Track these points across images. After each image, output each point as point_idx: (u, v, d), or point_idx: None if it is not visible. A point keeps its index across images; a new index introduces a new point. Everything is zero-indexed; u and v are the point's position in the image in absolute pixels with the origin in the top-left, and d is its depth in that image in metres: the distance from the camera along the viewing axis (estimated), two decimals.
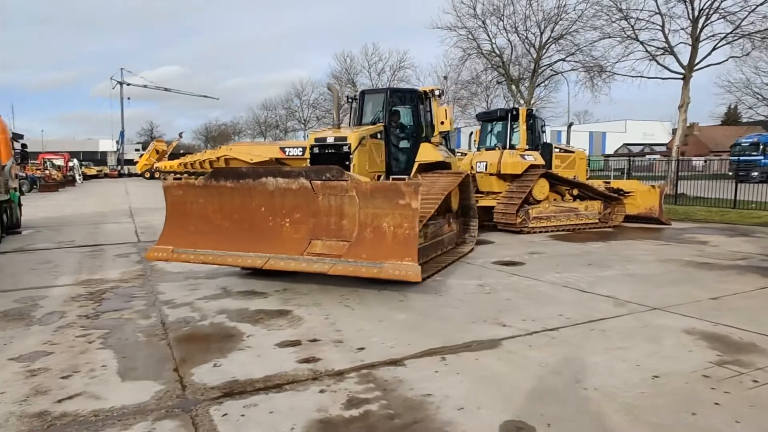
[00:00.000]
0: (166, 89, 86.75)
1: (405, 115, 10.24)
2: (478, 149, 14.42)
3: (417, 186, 5.95)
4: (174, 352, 4.86)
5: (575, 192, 14.09)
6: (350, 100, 10.89)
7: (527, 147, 13.60)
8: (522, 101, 32.53)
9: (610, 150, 67.38)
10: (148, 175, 61.19)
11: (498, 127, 14.19)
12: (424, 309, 6.19)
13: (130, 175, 75.34)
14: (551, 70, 32.84)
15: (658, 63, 24.26)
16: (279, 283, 7.56)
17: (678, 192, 21.75)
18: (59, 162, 51.95)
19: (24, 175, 37.00)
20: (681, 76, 23.97)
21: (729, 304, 6.31)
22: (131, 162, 78.55)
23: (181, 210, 7.53)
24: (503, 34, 31.97)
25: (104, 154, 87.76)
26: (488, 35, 31.87)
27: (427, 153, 9.98)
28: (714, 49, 23.32)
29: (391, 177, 9.45)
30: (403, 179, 9.11)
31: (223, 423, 3.50)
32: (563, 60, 31.66)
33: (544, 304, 6.32)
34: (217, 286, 7.56)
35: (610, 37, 25.50)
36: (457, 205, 9.90)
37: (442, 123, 10.17)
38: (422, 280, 5.99)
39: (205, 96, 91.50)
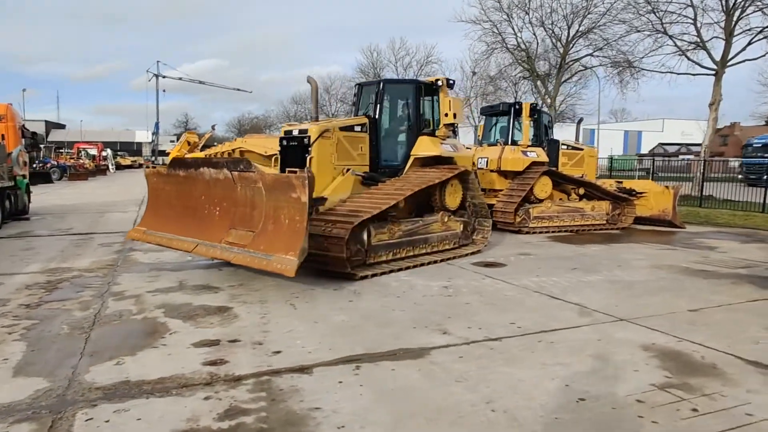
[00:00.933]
0: (200, 82, 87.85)
1: (401, 108, 9.80)
2: (480, 144, 13.86)
3: (305, 179, 5.76)
4: (86, 348, 4.65)
5: (581, 191, 13.41)
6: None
7: (531, 143, 12.99)
8: (548, 98, 31.57)
9: (645, 150, 65.01)
10: None
11: (502, 122, 13.62)
12: (370, 311, 5.82)
13: (164, 165, 76.98)
14: (580, 65, 31.69)
15: (689, 58, 23.03)
16: (238, 278, 7.33)
17: (704, 194, 20.60)
18: (93, 152, 53.41)
19: (55, 163, 38.17)
20: (713, 73, 22.71)
21: (708, 317, 5.72)
22: (165, 153, 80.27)
23: (155, 195, 8.18)
24: (529, 27, 31.04)
25: (140, 145, 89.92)
26: (513, 29, 30.97)
27: (423, 146, 9.43)
28: (750, 43, 21.98)
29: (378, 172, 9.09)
30: (368, 174, 8.75)
31: (81, 429, 3.24)
32: (591, 55, 30.52)
33: (503, 311, 5.86)
34: (176, 278, 7.37)
35: (638, 31, 24.36)
36: (456, 202, 9.34)
37: (446, 115, 9.44)
38: (294, 275, 5.83)
39: (238, 89, 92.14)
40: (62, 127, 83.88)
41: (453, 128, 9.99)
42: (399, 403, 3.59)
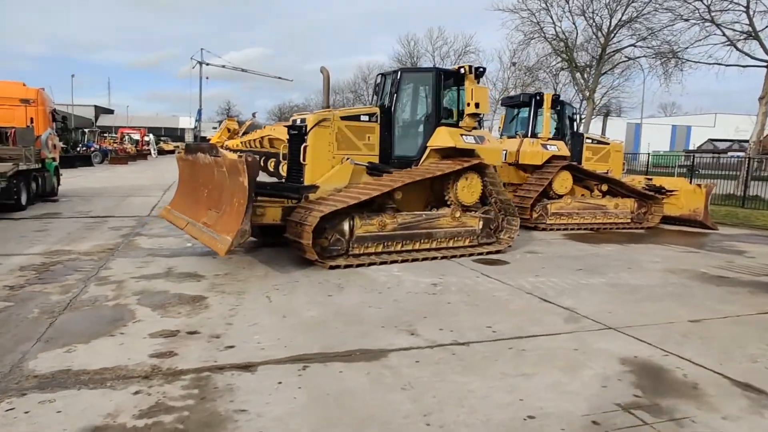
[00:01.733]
0: (243, 70, 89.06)
1: (420, 97, 9.45)
2: (501, 136, 13.38)
3: (245, 163, 6.02)
4: (46, 333, 4.62)
5: (605, 188, 12.77)
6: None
7: (551, 136, 12.43)
8: (587, 90, 30.40)
9: (694, 146, 62.11)
10: None
11: (523, 113, 13.08)
12: (345, 307, 5.62)
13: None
14: (623, 56, 30.30)
15: (738, 49, 21.66)
16: (228, 267, 7.27)
17: (750, 194, 19.41)
18: (136, 137, 55.03)
19: (97, 147, 39.50)
20: (765, 65, 21.29)
21: (707, 329, 5.25)
22: (207, 139, 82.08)
23: (180, 178, 8.98)
24: (568, 16, 29.90)
25: (183, 131, 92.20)
26: (552, 18, 29.89)
27: (440, 138, 8.89)
28: None
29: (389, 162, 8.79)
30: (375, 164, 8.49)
31: None
32: (634, 45, 29.17)
33: (484, 313, 5.55)
34: (167, 265, 7.35)
35: (684, 19, 23.06)
36: (472, 198, 8.78)
37: (469, 105, 8.79)
38: (224, 254, 6.37)
39: (279, 78, 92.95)
40: (111, 112, 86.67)
41: (478, 119, 9.32)
42: (330, 409, 3.38)
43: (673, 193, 13.37)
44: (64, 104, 63.98)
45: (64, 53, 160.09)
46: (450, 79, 9.04)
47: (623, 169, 14.39)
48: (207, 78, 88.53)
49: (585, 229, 12.16)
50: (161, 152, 67.46)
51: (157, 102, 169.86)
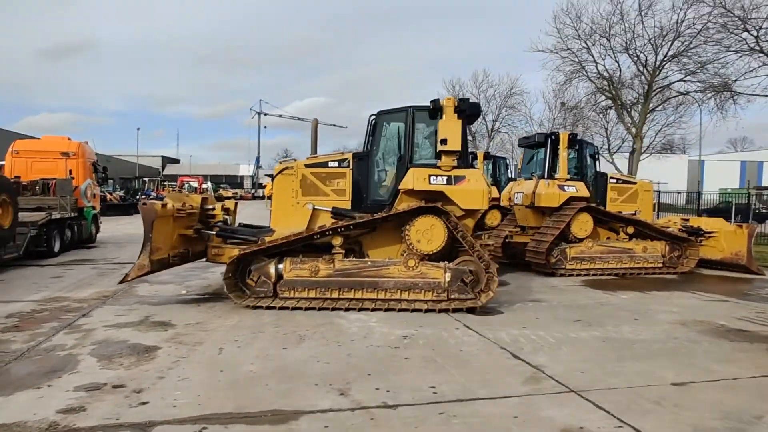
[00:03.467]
0: (299, 119, 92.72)
1: (397, 138, 9.19)
2: (515, 179, 12.91)
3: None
4: None
5: (630, 230, 11.93)
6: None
7: (570, 176, 11.84)
8: (633, 127, 29.19)
9: (767, 183, 57.95)
10: None
11: (541, 154, 12.59)
12: (291, 361, 5.35)
13: (263, 197, 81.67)
14: (673, 91, 28.96)
15: None
16: (207, 315, 7.26)
17: None
18: (195, 184, 57.75)
19: (154, 194, 41.70)
20: None
21: (688, 395, 4.57)
22: (263, 186, 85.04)
23: None
24: (611, 54, 29.09)
25: (242, 178, 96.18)
26: (593, 56, 29.16)
27: (407, 180, 8.17)
28: None
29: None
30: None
31: None
32: (683, 80, 27.88)
33: (439, 371, 5.12)
34: (147, 313, 7.37)
35: (731, 51, 21.88)
36: (432, 246, 7.77)
37: (442, 142, 7.99)
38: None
39: (334, 125, 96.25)
40: (177, 161, 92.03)
41: (456, 157, 8.22)
42: None
43: (711, 234, 12.33)
44: (132, 155, 68.67)
45: (143, 108, 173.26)
46: (427, 116, 8.47)
47: (654, 210, 13.45)
48: (265, 127, 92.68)
49: (610, 275, 11.33)
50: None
51: (222, 150, 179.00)
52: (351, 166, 8.44)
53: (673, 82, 28.38)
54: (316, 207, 8.27)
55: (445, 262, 7.83)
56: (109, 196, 33.45)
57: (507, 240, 12.65)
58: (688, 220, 13.16)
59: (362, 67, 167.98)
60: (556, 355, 5.67)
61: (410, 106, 8.53)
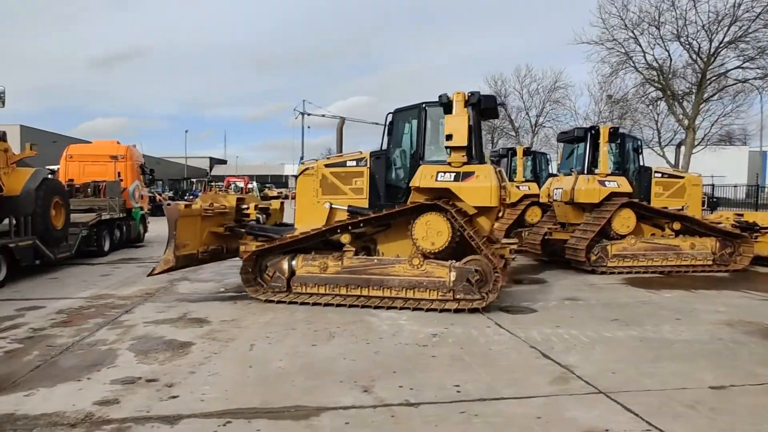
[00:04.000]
0: (341, 118, 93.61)
1: (406, 136, 8.81)
2: (555, 174, 12.60)
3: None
4: (26, 375, 4.91)
5: (677, 226, 11.44)
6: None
7: (611, 171, 11.46)
8: (685, 119, 27.96)
9: None
10: None
11: (580, 148, 12.24)
12: (319, 358, 5.42)
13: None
14: (733, 79, 27.48)
15: None
16: (242, 312, 7.45)
17: None
18: (241, 184, 59.20)
19: (201, 195, 43.00)
20: None
21: (726, 399, 4.36)
22: None
23: None
24: (660, 43, 27.92)
25: (287, 177, 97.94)
26: (641, 46, 28.05)
27: (417, 177, 8.03)
28: None
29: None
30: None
31: None
32: (741, 67, 26.49)
33: (465, 369, 5.07)
34: (185, 310, 7.61)
35: None
36: (435, 245, 7.62)
37: (447, 138, 7.75)
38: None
39: (375, 123, 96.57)
40: (224, 162, 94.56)
41: (467, 152, 7.89)
42: None
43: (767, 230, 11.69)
44: (181, 157, 71.05)
45: (193, 111, 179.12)
46: (438, 111, 8.24)
47: (703, 205, 12.85)
48: (309, 127, 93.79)
49: (654, 272, 10.92)
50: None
51: (267, 151, 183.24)
52: (368, 165, 8.45)
53: (730, 70, 27.03)
54: (333, 206, 8.40)
55: (452, 261, 7.63)
56: (158, 197, 34.77)
57: (546, 237, 12.39)
58: (742, 215, 12.53)
59: (404, 65, 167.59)
60: (588, 354, 5.51)
61: (423, 103, 8.38)
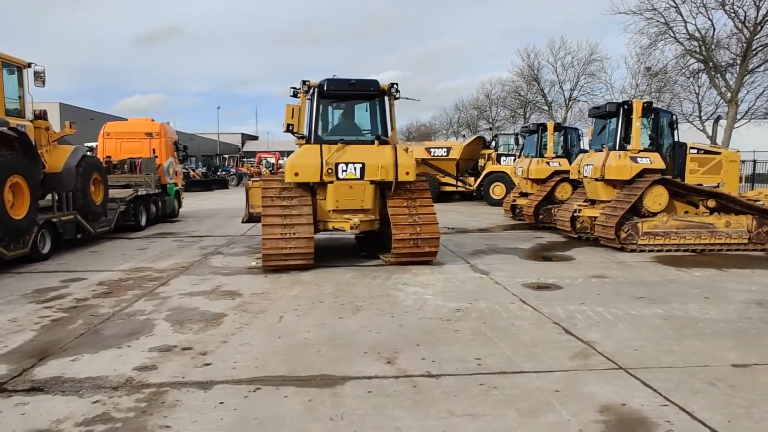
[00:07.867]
0: None
1: None
2: (586, 150, 12.38)
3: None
4: (71, 342, 5.25)
5: (711, 203, 11.15)
6: None
7: (644, 147, 11.21)
8: (728, 92, 26.85)
9: None
10: None
11: (612, 124, 11.97)
12: (344, 330, 5.60)
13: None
14: None
15: None
16: (273, 285, 7.69)
17: None
18: (272, 160, 59.85)
19: (234, 171, 43.71)
20: None
21: (748, 377, 4.35)
22: None
23: None
24: (703, 12, 26.71)
25: None
26: (682, 15, 26.91)
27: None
28: None
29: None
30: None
31: None
32: None
33: (485, 343, 5.18)
34: (218, 283, 7.91)
35: None
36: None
37: None
38: None
39: (408, 98, 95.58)
40: (255, 138, 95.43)
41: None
42: None
43: None
44: (214, 133, 72.06)
45: (226, 88, 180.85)
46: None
47: (740, 181, 12.45)
48: None
49: (686, 251, 10.73)
50: None
51: None
52: None
53: None
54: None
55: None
56: (192, 172, 35.55)
57: (576, 214, 12.28)
58: None
59: (437, 39, 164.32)
60: (610, 331, 5.54)
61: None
